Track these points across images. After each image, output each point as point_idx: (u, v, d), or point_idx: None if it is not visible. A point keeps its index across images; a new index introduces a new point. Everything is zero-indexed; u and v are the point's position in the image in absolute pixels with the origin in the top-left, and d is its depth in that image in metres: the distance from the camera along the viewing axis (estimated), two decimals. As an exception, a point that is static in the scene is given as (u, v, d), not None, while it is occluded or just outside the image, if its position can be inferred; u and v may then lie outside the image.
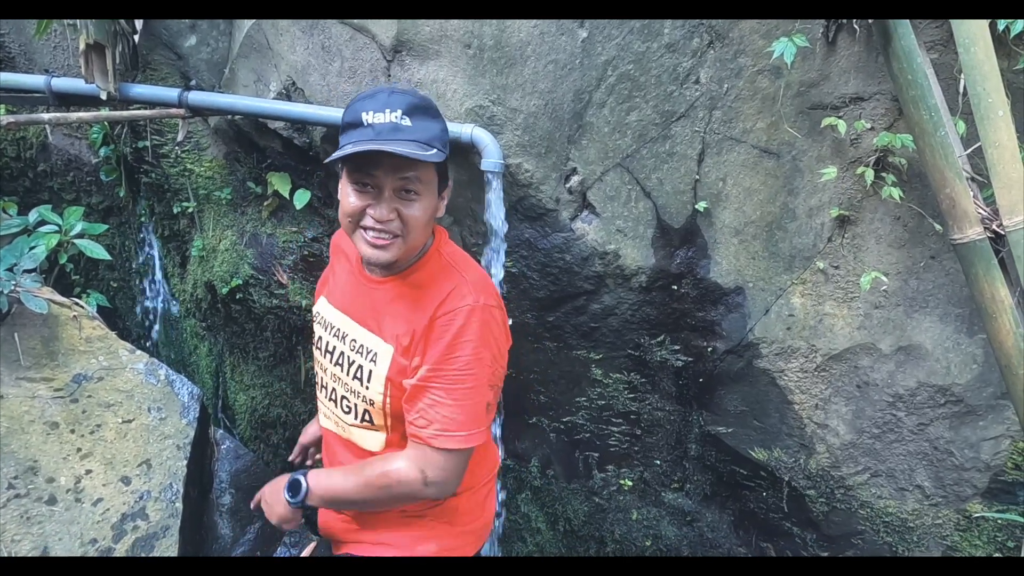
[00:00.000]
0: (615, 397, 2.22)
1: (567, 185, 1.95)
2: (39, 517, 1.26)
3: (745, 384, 2.04)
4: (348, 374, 1.38)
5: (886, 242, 1.78)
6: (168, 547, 1.33)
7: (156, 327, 2.63)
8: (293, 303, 2.30)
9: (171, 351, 2.70)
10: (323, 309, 1.49)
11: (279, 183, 2.20)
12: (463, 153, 1.91)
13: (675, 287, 2.00)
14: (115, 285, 2.73)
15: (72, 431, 1.39)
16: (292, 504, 1.34)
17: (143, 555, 1.29)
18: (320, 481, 1.34)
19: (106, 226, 1.94)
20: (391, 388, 1.31)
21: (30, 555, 1.19)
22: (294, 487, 1.36)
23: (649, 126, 1.86)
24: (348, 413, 1.39)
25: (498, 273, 1.99)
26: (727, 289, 1.96)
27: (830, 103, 1.73)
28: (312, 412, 2.68)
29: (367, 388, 1.34)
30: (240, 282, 2.32)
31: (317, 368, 1.50)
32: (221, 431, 1.81)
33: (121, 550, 1.27)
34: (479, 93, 1.86)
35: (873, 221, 1.77)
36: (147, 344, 2.67)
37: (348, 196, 1.26)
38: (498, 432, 2.24)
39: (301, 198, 2.13)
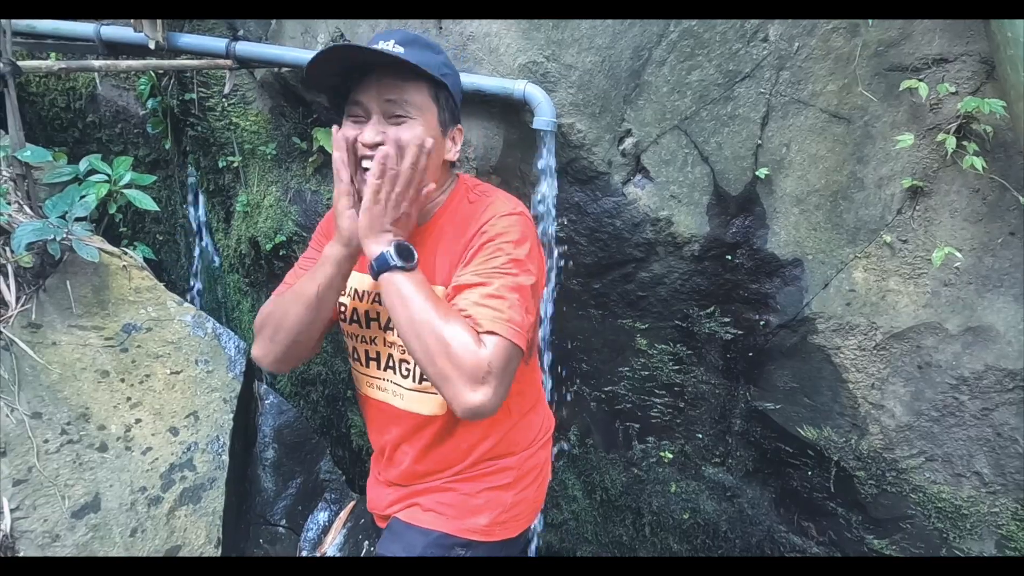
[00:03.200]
0: (659, 368, 2.17)
1: (621, 147, 1.87)
2: (91, 463, 1.28)
3: (797, 360, 1.96)
4: (383, 329, 1.30)
5: (961, 216, 1.67)
6: (215, 498, 1.34)
7: (199, 282, 2.65)
8: (336, 261, 2.29)
9: (215, 306, 2.73)
10: (353, 283, 1.36)
11: (324, 139, 2.16)
12: (514, 111, 1.84)
13: (729, 257, 1.93)
14: (160, 238, 2.75)
15: (122, 380, 1.40)
16: (389, 264, 1.11)
17: (191, 505, 1.30)
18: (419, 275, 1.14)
19: (154, 177, 1.93)
20: None
21: (82, 500, 1.21)
22: (405, 252, 1.14)
23: (711, 86, 1.77)
24: (407, 377, 1.31)
25: (548, 237, 1.94)
26: (784, 261, 1.88)
27: (910, 64, 1.61)
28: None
29: None
30: (284, 239, 2.31)
31: (357, 344, 1.37)
32: (265, 386, 1.81)
33: (170, 499, 1.28)
34: (533, 48, 1.79)
35: (949, 193, 1.67)
36: (190, 298, 2.69)
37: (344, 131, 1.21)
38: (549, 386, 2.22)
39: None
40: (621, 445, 2.33)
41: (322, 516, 1.73)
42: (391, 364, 1.34)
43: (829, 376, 1.93)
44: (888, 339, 1.81)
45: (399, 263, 1.11)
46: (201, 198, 2.53)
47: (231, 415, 1.46)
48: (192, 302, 2.67)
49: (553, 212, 1.87)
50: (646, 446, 2.31)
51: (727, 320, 2.03)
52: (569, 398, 2.30)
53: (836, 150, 1.74)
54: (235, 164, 2.39)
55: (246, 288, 2.66)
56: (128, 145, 2.60)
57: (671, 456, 2.30)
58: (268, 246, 2.35)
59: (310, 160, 2.25)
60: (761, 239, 1.88)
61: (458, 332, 1.05)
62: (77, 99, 2.53)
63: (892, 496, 1.98)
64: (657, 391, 2.21)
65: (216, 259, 2.63)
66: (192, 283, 2.65)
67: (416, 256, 1.15)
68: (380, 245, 1.13)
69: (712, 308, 2.02)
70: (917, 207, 1.71)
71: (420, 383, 1.30)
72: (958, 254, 1.62)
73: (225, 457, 1.40)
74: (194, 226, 2.60)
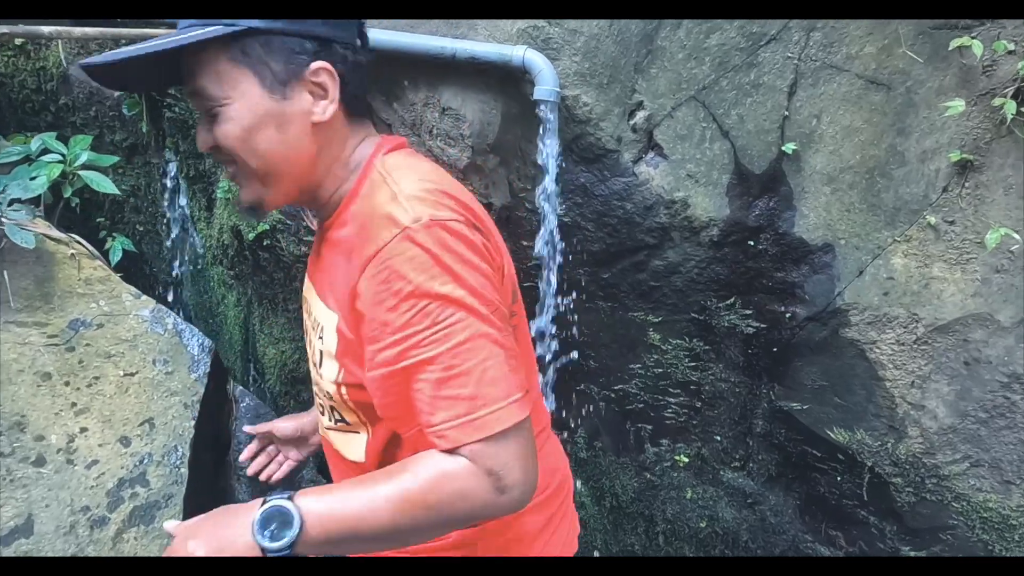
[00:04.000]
0: (674, 365, 1.99)
1: (631, 122, 1.69)
2: (24, 480, 1.11)
3: (827, 356, 1.78)
4: (312, 363, 1.04)
5: (1017, 193, 1.48)
6: (171, 518, 1.18)
7: (182, 274, 2.49)
8: (323, 251, 2.12)
9: (198, 299, 2.57)
10: (305, 287, 1.12)
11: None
12: (513, 81, 1.66)
13: (751, 243, 1.75)
14: (141, 229, 2.59)
15: (66, 383, 1.24)
16: (270, 552, 0.80)
17: (142, 526, 1.14)
18: (321, 509, 0.81)
19: (116, 158, 1.77)
20: (344, 373, 0.93)
21: (11, 523, 1.05)
22: (274, 520, 0.81)
23: (732, 51, 1.59)
24: (323, 414, 1.06)
25: (551, 222, 1.76)
26: (813, 246, 1.69)
27: (961, 21, 1.42)
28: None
29: (322, 376, 0.99)
30: (267, 227, 2.15)
31: None
32: (240, 387, 1.65)
33: (117, 520, 1.12)
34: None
35: (1003, 167, 1.48)
36: (173, 292, 2.54)
37: None
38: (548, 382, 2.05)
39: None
40: (632, 448, 2.16)
41: (304, 530, 1.57)
42: (316, 396, 1.09)
43: (863, 373, 1.75)
44: (931, 332, 1.63)
45: (289, 544, 0.79)
46: (181, 185, 2.37)
47: (192, 422, 1.30)
48: (174, 296, 2.51)
49: (554, 193, 1.70)
50: (659, 449, 2.13)
51: (749, 312, 1.85)
52: (575, 397, 2.13)
53: (874, 121, 1.56)
54: (215, 147, 2.23)
55: (231, 281, 2.49)
56: (104, 129, 2.44)
57: (686, 460, 2.13)
58: (251, 236, 2.19)
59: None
60: (787, 222, 1.70)
61: (437, 490, 0.79)
62: (48, 80, 2.37)
63: (932, 505, 1.80)
64: (671, 390, 2.04)
65: (200, 250, 2.48)
66: (174, 275, 2.50)
67: (293, 518, 0.80)
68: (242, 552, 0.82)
69: (732, 299, 1.84)
70: (966, 184, 1.52)
71: (336, 423, 1.02)
72: (1016, 235, 1.44)
73: (184, 470, 1.23)
74: (174, 215, 2.44)
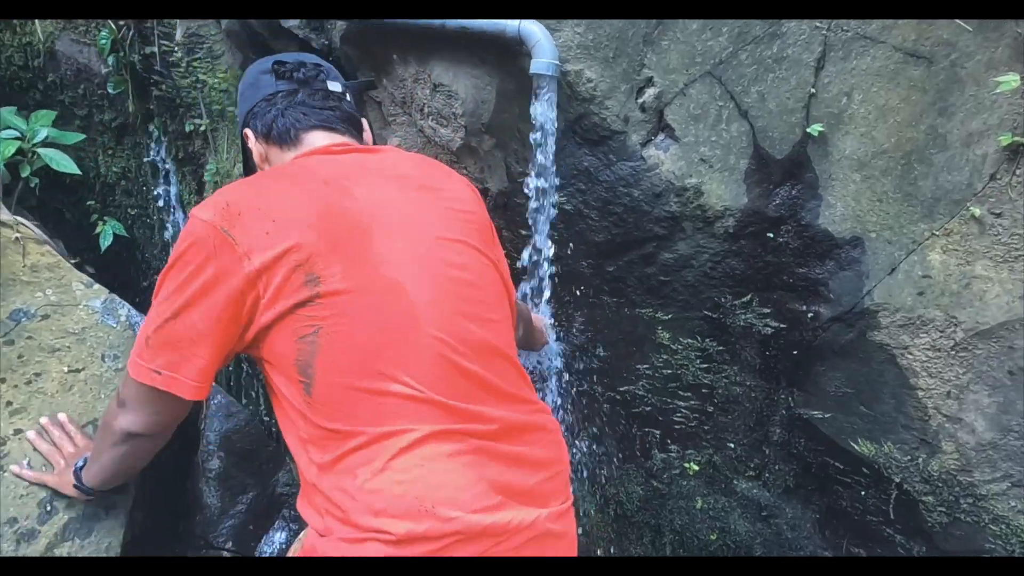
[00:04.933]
0: (684, 367, 1.84)
1: (639, 100, 1.54)
2: (-54, 487, 1.02)
3: (853, 361, 1.62)
4: None
5: (1077, 182, 1.31)
6: (111, 531, 1.06)
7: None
8: (312, 238, 2.00)
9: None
10: None
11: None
12: (510, 55, 1.52)
13: (771, 235, 1.59)
14: (133, 212, 2.50)
15: (2, 380, 1.13)
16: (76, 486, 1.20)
17: (77, 540, 1.03)
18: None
19: (81, 136, 1.65)
20: None
21: (-72, 537, 0.96)
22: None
23: (753, 20, 1.42)
24: None
25: (547, 211, 1.62)
26: (840, 240, 1.53)
27: (1017, -17, 1.25)
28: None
29: None
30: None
31: None
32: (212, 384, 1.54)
33: (48, 533, 1.01)
34: (532, -25, 1.46)
35: (1062, 152, 1.30)
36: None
37: None
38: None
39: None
40: (639, 454, 2.01)
41: (279, 536, 1.46)
42: None
43: (893, 381, 1.58)
44: (971, 337, 1.46)
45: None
46: (171, 167, 2.26)
47: (145, 423, 1.19)
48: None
49: (552, 176, 1.55)
50: (668, 455, 1.99)
51: (767, 311, 1.69)
52: (579, 398, 1.99)
53: (912, 99, 1.38)
54: (203, 128, 2.11)
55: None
56: (93, 108, 2.34)
57: (697, 468, 1.98)
58: (238, 220, 2.08)
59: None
60: (812, 213, 1.54)
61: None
62: (35, 56, 2.28)
63: (966, 526, 1.63)
64: (682, 393, 1.89)
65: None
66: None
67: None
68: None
69: (749, 296, 1.69)
70: (1017, 171, 1.34)
71: None
72: (1075, 231, 1.26)
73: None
74: (163, 199, 2.34)
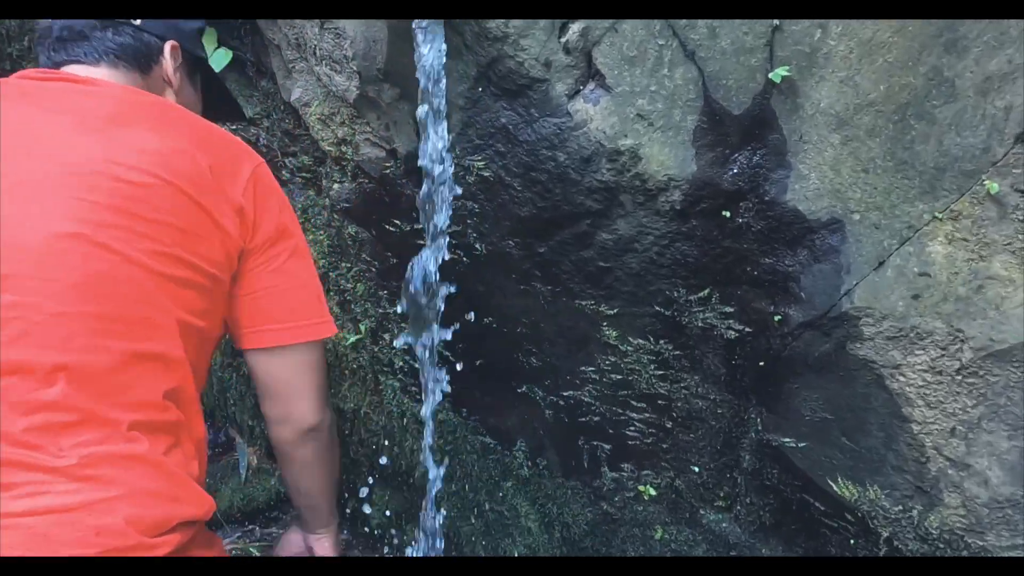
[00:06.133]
0: (636, 372, 1.52)
1: (563, 40, 1.23)
2: None
3: (832, 379, 1.27)
4: None
5: None
6: None
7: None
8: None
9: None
10: None
11: (206, 41, 1.64)
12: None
13: (727, 213, 1.25)
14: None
15: None
16: None
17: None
18: None
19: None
20: None
21: None
22: None
23: (695, -73, 1.08)
24: None
25: (442, 203, 1.34)
26: (815, 223, 1.18)
27: None
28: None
29: None
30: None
31: None
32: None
33: None
34: None
35: (1120, 102, 0.91)
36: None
37: None
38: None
39: (219, 58, 1.57)
40: (586, 470, 1.71)
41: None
42: None
43: (882, 409, 1.22)
44: (984, 359, 1.08)
45: None
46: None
47: None
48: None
49: (440, 133, 1.26)
50: (620, 475, 1.67)
51: (729, 311, 1.35)
52: (513, 400, 1.70)
53: (909, 31, 1.01)
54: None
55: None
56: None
57: (655, 492, 1.66)
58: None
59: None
60: (778, 186, 1.19)
61: None
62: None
63: (978, 601, 1.26)
64: (634, 402, 1.57)
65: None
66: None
67: None
68: None
69: (706, 291, 1.35)
70: (1054, 130, 0.96)
71: None
72: None
73: None
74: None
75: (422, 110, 1.23)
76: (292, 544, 1.53)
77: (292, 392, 1.21)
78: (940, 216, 1.06)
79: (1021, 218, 1.00)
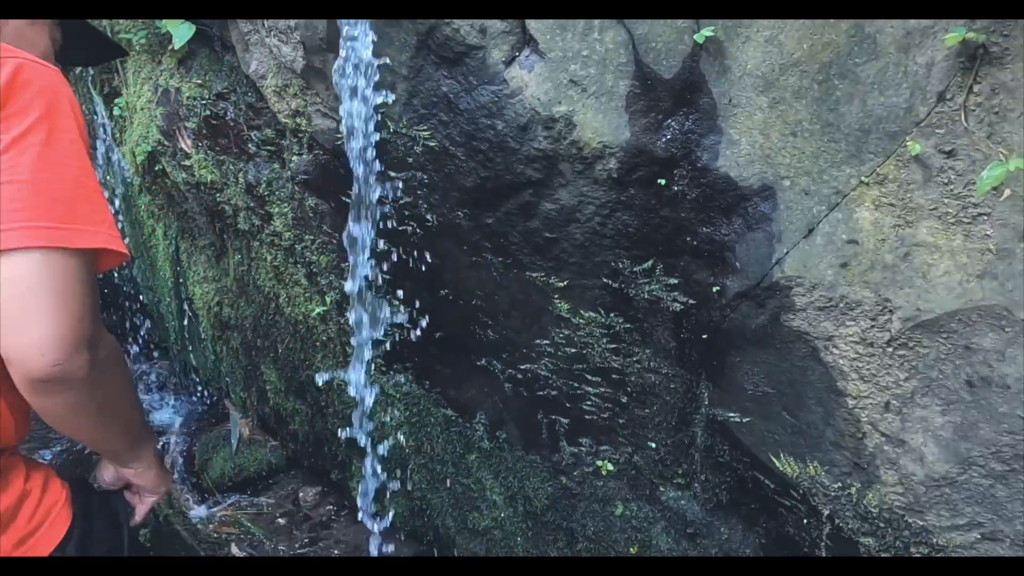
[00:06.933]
0: (589, 345, 1.51)
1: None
2: None
3: (770, 352, 1.23)
4: None
5: (1065, 102, 0.86)
6: None
7: (115, 204, 2.32)
8: (200, 178, 1.83)
9: (132, 232, 2.40)
10: None
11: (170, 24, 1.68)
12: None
13: (663, 181, 1.22)
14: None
15: None
16: None
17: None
18: None
19: None
20: None
21: None
22: None
23: None
24: None
25: (368, 176, 1.34)
26: (747, 190, 1.14)
27: None
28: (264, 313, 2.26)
29: None
30: (149, 149, 1.89)
31: None
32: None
33: None
34: None
35: (1040, 55, 0.86)
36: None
37: None
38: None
39: (181, 33, 1.60)
40: (545, 444, 1.71)
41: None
42: None
43: (818, 383, 1.19)
44: (912, 330, 1.04)
45: None
46: (97, 100, 2.17)
47: None
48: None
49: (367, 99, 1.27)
50: (578, 449, 1.67)
51: (674, 283, 1.33)
52: (473, 374, 1.71)
53: (828, -15, 0.97)
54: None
55: (156, 211, 2.29)
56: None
57: (613, 468, 1.65)
58: (140, 158, 1.95)
59: (170, 48, 1.78)
60: (710, 152, 1.16)
61: None
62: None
63: (924, 583, 1.22)
64: (589, 376, 1.56)
65: (127, 177, 2.29)
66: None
67: None
68: None
69: (650, 262, 1.33)
70: (976, 86, 0.91)
71: None
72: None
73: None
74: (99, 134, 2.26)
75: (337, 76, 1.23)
76: (104, 478, 1.16)
77: (4, 322, 0.80)
78: (867, 180, 1.02)
79: (946, 181, 0.95)
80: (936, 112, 0.94)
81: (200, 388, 2.60)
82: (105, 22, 1.87)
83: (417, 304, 1.65)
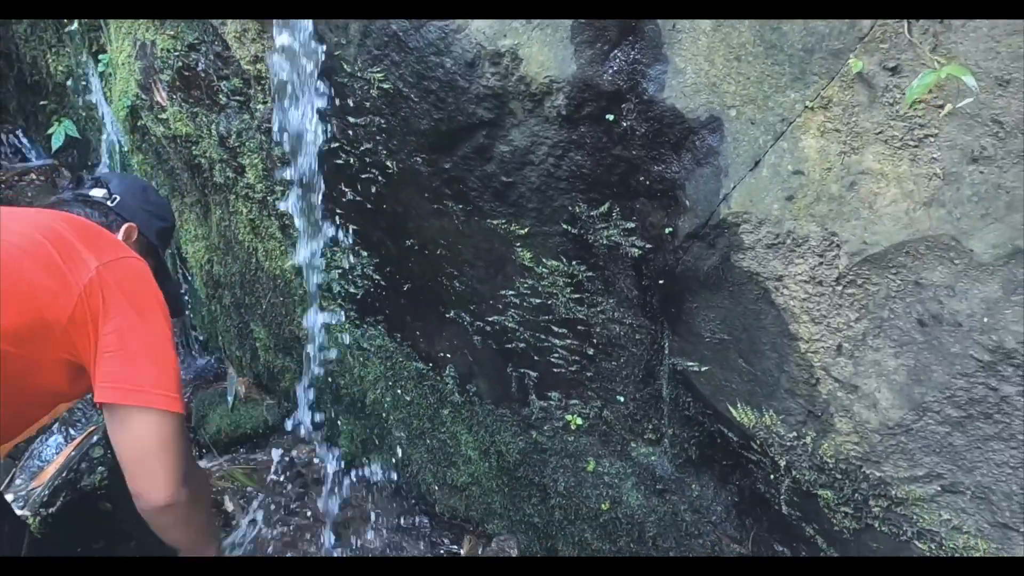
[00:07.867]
0: (553, 295, 1.47)
1: (440, -67, 1.17)
2: None
3: (723, 296, 1.18)
4: None
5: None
6: None
7: (106, 162, 2.36)
8: (176, 131, 1.84)
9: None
10: None
11: None
12: None
13: (611, 117, 1.17)
14: (84, 114, 2.49)
15: None
16: None
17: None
18: None
19: None
20: None
21: None
22: None
23: None
24: None
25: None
26: (694, 122, 1.09)
27: None
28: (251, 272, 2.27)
29: None
30: (129, 103, 1.90)
31: None
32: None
33: None
34: None
35: (983, -47, 0.78)
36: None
37: None
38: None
39: (147, -18, 1.58)
40: (515, 397, 1.68)
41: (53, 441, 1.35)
42: None
43: (771, 327, 1.13)
44: (859, 265, 0.98)
45: None
46: (88, 60, 2.19)
47: None
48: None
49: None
50: (548, 403, 1.64)
51: (631, 226, 1.28)
52: (441, 326, 1.69)
53: None
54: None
55: (148, 169, 2.32)
56: None
57: (582, 422, 1.62)
58: (122, 114, 1.97)
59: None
60: (656, 83, 1.10)
61: None
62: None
63: (884, 537, 1.17)
64: (555, 328, 1.53)
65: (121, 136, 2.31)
66: (101, 163, 2.37)
67: None
68: None
69: (606, 205, 1.29)
70: (919, -6, 0.83)
71: None
72: (969, 80, 0.75)
73: None
74: (93, 96, 2.29)
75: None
76: None
77: (136, 469, 1.14)
78: (811, 105, 0.95)
79: (891, 101, 0.88)
80: (879, 25, 0.87)
81: (198, 346, 2.65)
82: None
83: (383, 255, 1.63)
